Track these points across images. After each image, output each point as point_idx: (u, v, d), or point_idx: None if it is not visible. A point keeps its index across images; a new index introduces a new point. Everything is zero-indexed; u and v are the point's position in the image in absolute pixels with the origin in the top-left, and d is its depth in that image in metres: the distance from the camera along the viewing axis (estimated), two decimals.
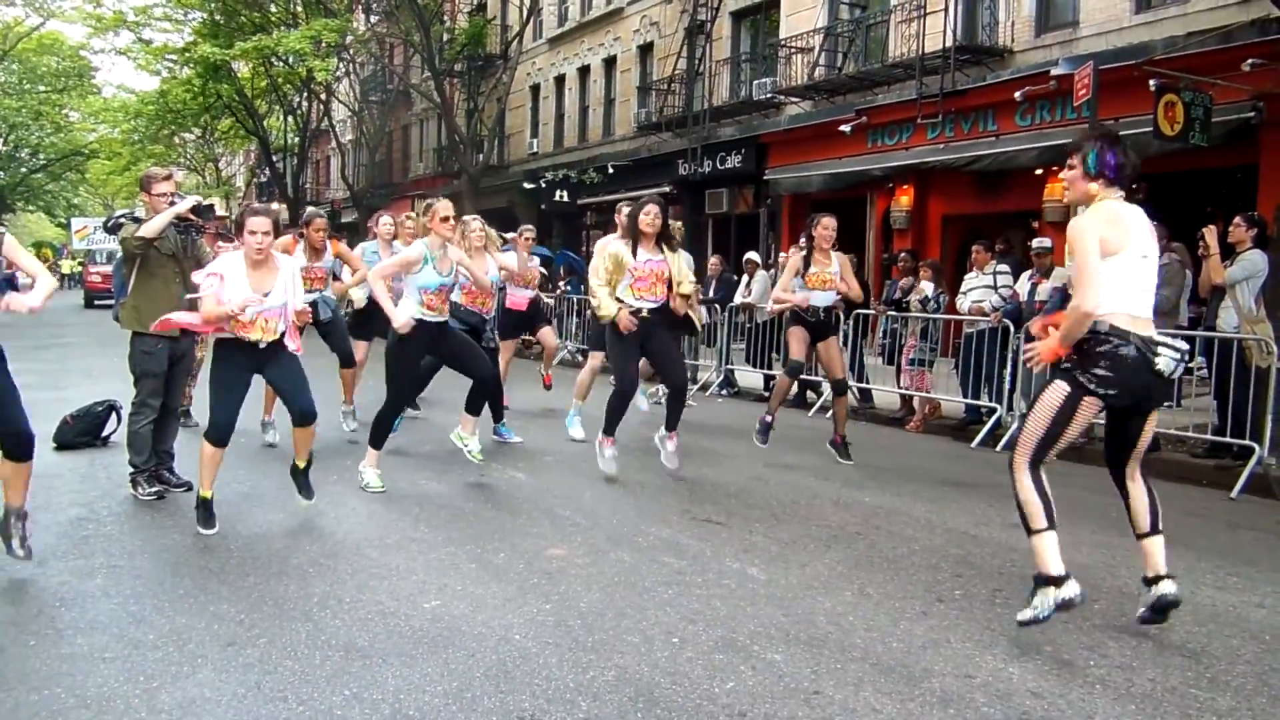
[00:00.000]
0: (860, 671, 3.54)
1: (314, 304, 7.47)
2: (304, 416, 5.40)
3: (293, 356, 5.40)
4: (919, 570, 4.82)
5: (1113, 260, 3.75)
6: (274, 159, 35.21)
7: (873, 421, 10.25)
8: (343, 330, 7.98)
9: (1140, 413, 3.94)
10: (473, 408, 6.71)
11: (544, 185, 24.39)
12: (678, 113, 20.44)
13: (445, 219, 6.10)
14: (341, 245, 8.28)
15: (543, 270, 11.09)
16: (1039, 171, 13.51)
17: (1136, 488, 4.03)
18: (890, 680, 3.47)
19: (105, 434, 7.45)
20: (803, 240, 7.63)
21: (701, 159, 19.44)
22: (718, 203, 19.78)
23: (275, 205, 28.81)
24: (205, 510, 5.23)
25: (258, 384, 5.50)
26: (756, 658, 3.64)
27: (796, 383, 8.78)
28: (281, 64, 27.73)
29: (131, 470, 5.90)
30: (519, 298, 9.36)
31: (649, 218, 6.56)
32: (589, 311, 10.22)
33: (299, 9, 28.15)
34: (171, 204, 5.73)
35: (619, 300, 6.56)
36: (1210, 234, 7.40)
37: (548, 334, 10.07)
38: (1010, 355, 8.84)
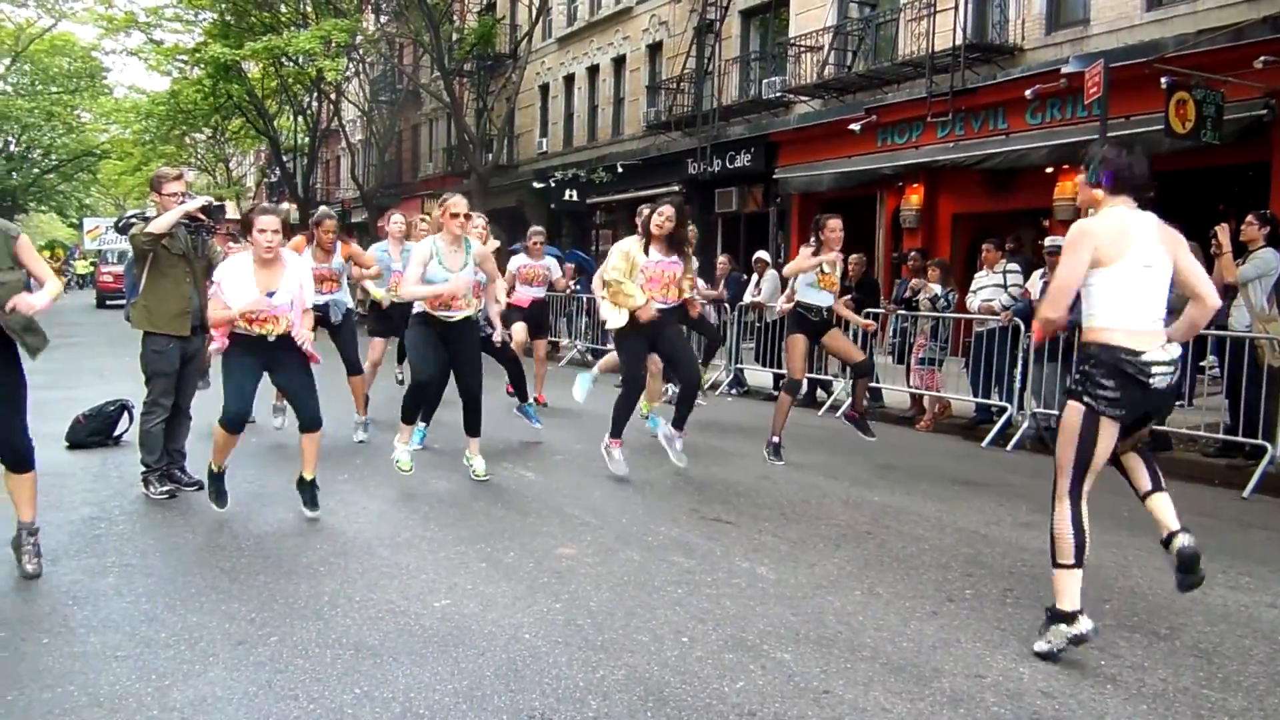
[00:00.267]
0: (870, 671, 3.54)
1: (325, 306, 7.50)
2: (310, 423, 5.44)
3: (303, 361, 5.42)
4: (929, 570, 4.82)
5: (1108, 271, 3.65)
6: (284, 159, 35.30)
7: (883, 421, 10.22)
8: (352, 336, 7.94)
9: (1148, 420, 3.89)
10: (471, 429, 6.54)
11: (553, 185, 24.41)
12: (687, 112, 20.44)
13: (454, 215, 6.09)
14: (353, 246, 8.31)
15: (569, 267, 11.10)
16: (1049, 170, 13.48)
17: (1130, 456, 3.95)
18: (900, 680, 3.47)
19: (117, 433, 7.49)
20: (812, 241, 7.62)
21: (711, 158, 19.43)
22: (727, 202, 19.77)
23: (285, 205, 28.93)
24: (217, 484, 5.39)
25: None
26: (766, 657, 3.64)
27: (805, 383, 8.77)
28: (291, 64, 27.81)
29: (143, 469, 5.92)
30: (521, 295, 9.39)
31: (661, 219, 6.55)
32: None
33: (309, 9, 28.22)
34: (182, 204, 5.76)
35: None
36: (1223, 232, 7.36)
37: (540, 345, 10.06)
38: (1021, 354, 8.82)
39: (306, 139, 35.39)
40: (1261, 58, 10.38)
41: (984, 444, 8.82)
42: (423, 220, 8.75)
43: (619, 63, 24.24)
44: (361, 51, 30.00)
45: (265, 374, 5.49)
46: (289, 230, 5.60)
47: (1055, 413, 8.63)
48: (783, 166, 17.90)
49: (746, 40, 20.31)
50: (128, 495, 5.90)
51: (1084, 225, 3.77)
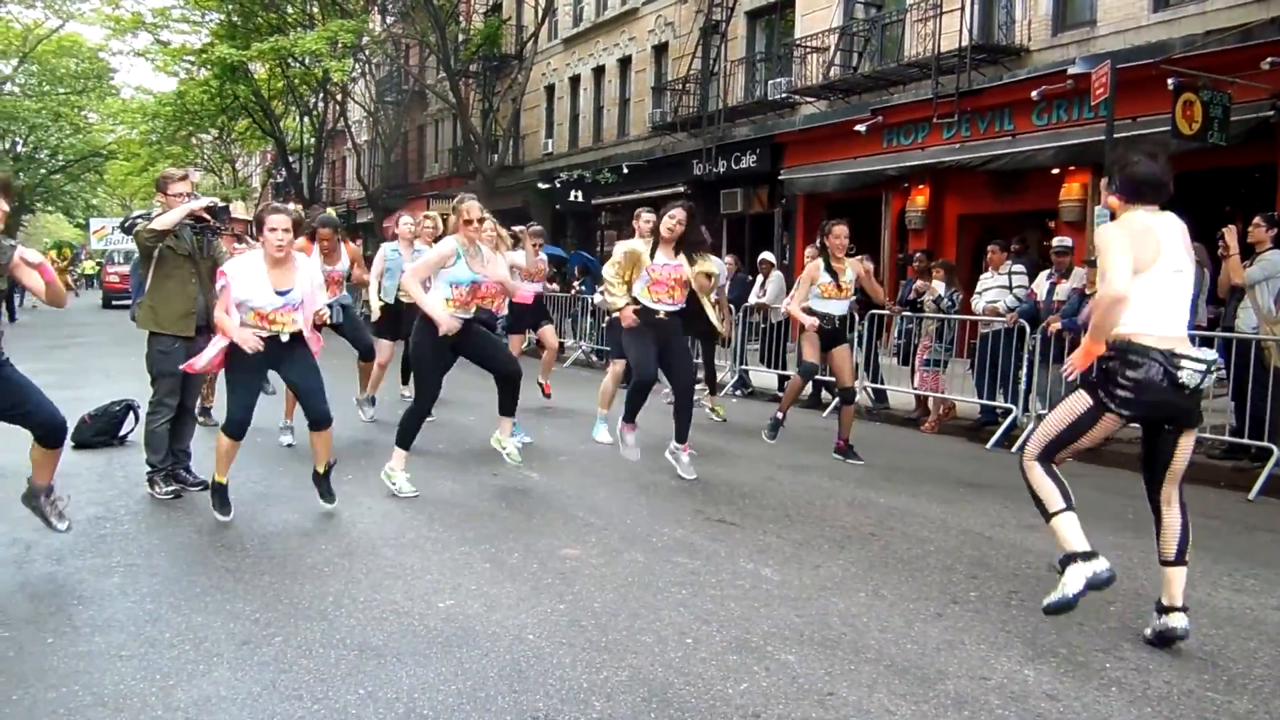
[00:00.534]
0: (875, 673, 3.53)
1: (328, 307, 7.52)
2: (319, 420, 5.47)
3: (311, 358, 5.44)
4: (934, 571, 4.81)
5: (1143, 278, 3.62)
6: (290, 159, 35.38)
7: (887, 422, 10.22)
8: (358, 323, 8.01)
9: (1168, 429, 3.82)
10: (507, 409, 6.41)
11: (559, 185, 24.43)
12: (692, 113, 20.43)
13: (469, 222, 5.97)
14: (354, 247, 8.34)
15: (554, 268, 11.11)
16: (1056, 171, 13.46)
17: (1170, 513, 3.87)
18: (905, 682, 3.46)
19: (123, 433, 7.50)
20: (816, 247, 7.64)
21: (716, 159, 19.43)
22: (732, 203, 19.76)
23: (291, 205, 28.99)
24: (220, 496, 5.39)
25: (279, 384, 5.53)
26: (770, 659, 3.63)
27: (810, 383, 8.76)
28: (298, 65, 27.88)
29: (149, 469, 5.93)
30: (524, 292, 9.41)
31: (673, 223, 6.54)
32: (606, 316, 10.17)
33: (315, 10, 28.30)
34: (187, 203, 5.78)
35: (634, 300, 6.58)
36: (1230, 234, 7.35)
37: (548, 333, 10.08)
38: (1026, 356, 8.80)
39: (312, 140, 35.50)
40: (1269, 59, 10.36)
41: (989, 445, 8.80)
42: (426, 218, 8.77)
43: (624, 64, 24.25)
44: (368, 52, 30.07)
45: (273, 370, 5.53)
46: (298, 229, 5.61)
47: None
48: (788, 167, 17.89)
49: (752, 41, 20.30)
50: (133, 495, 5.92)
51: (1112, 227, 3.73)
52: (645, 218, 7.17)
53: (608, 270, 6.76)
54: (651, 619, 4.00)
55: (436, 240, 8.88)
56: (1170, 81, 10.13)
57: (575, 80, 26.38)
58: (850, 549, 5.16)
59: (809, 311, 7.50)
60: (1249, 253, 7.49)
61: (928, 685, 3.44)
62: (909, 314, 10.33)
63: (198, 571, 4.53)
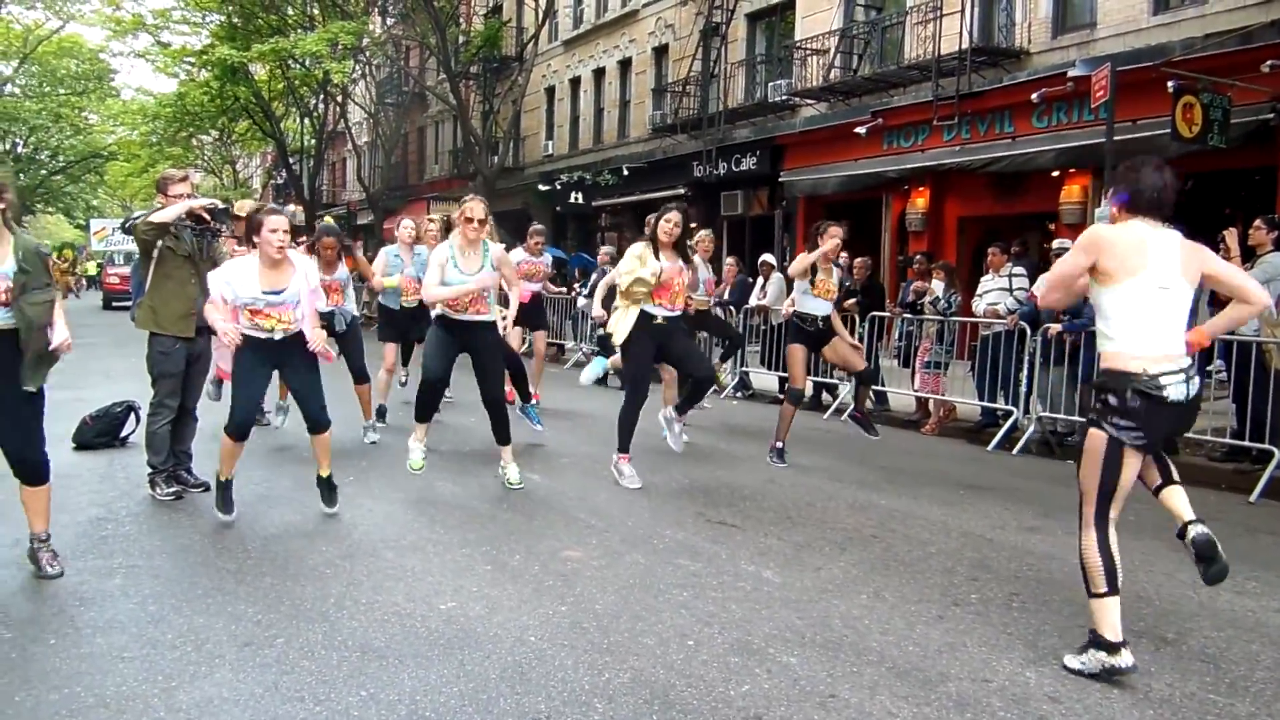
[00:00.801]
0: (876, 675, 3.53)
1: (330, 315, 7.52)
2: (316, 424, 5.48)
3: (311, 361, 5.44)
4: (935, 574, 4.81)
5: (1120, 289, 3.55)
6: (290, 161, 35.37)
7: (888, 424, 10.22)
8: (358, 344, 7.89)
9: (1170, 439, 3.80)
10: (500, 437, 6.44)
11: (559, 187, 24.44)
12: (693, 115, 20.44)
13: (469, 220, 6.02)
14: (357, 256, 8.33)
15: (553, 270, 11.12)
16: (1056, 173, 13.46)
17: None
18: (906, 684, 3.47)
19: (124, 434, 7.51)
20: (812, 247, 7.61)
21: (716, 161, 19.44)
22: (733, 205, 19.77)
23: (291, 207, 28.99)
24: (224, 493, 5.40)
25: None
26: (772, 661, 3.63)
27: (810, 387, 8.77)
28: (298, 66, 27.87)
29: (150, 471, 5.94)
30: (523, 290, 9.40)
31: (670, 225, 6.54)
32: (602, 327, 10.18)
33: (316, 12, 28.30)
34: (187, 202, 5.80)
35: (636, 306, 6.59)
36: (1231, 236, 7.36)
37: (540, 337, 10.07)
38: (1026, 358, 8.81)
39: (313, 141, 35.48)
40: (1269, 62, 10.37)
41: (990, 448, 8.80)
42: (430, 221, 8.77)
43: (625, 65, 24.26)
44: (368, 54, 30.08)
45: (275, 372, 5.53)
46: (294, 232, 5.62)
47: (1061, 416, 8.64)
48: (788, 169, 17.90)
49: (752, 43, 20.31)
50: (134, 496, 5.92)
51: (1098, 230, 3.70)
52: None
53: (625, 277, 6.61)
54: (653, 621, 4.00)
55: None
56: (1170, 84, 10.15)
57: (575, 82, 26.39)
58: (851, 551, 5.16)
59: (796, 315, 7.49)
60: (1250, 255, 7.50)
61: (929, 687, 3.44)
62: (909, 316, 10.33)
63: (199, 573, 4.53)
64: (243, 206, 7.54)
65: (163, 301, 5.83)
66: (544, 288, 10.45)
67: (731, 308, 12.22)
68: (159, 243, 5.81)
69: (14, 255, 4.22)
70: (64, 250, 38.54)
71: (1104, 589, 3.58)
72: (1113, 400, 3.56)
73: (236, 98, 30.05)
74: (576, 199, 23.88)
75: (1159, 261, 3.56)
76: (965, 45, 14.08)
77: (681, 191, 19.67)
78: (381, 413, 8.52)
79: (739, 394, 12.04)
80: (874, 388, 10.63)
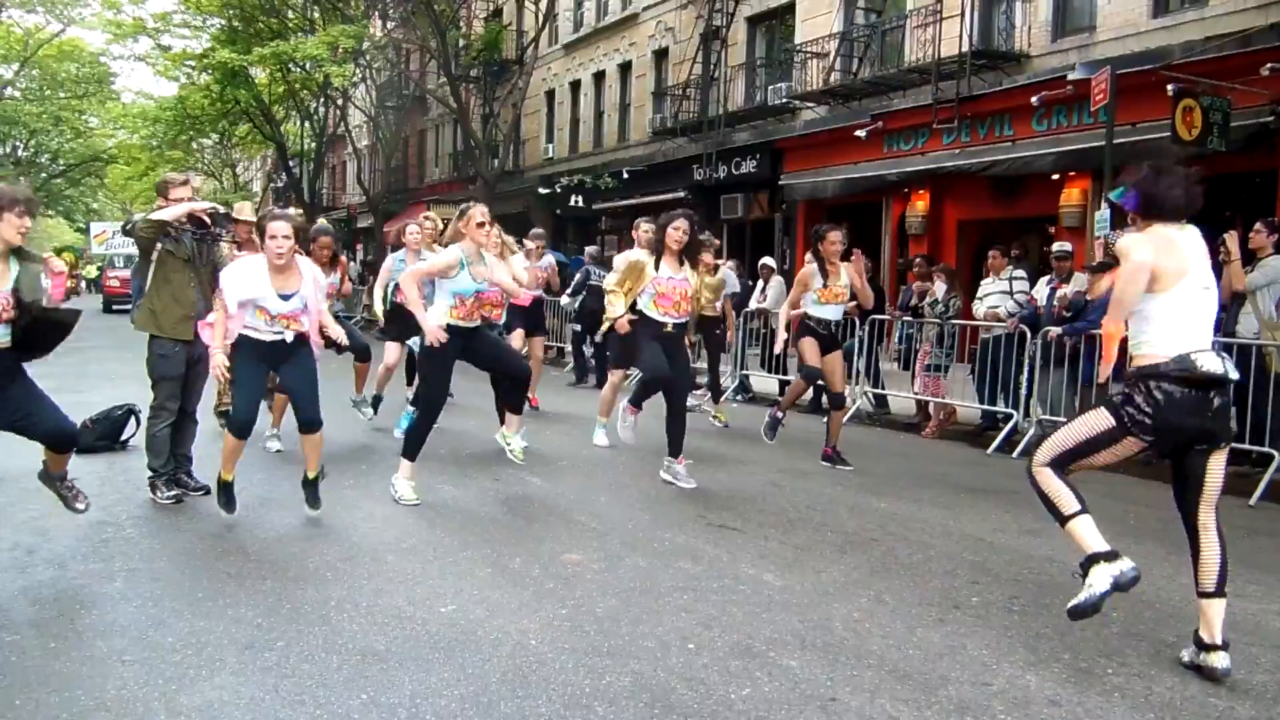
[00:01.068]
0: (877, 678, 3.53)
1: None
2: (308, 424, 5.47)
3: (310, 360, 5.47)
4: (935, 577, 4.81)
5: (1166, 296, 3.51)
6: (290, 164, 35.38)
7: (888, 427, 10.23)
8: (351, 329, 7.98)
9: (1198, 449, 3.63)
10: (514, 405, 6.47)
11: (559, 191, 24.44)
12: (693, 118, 20.45)
13: (481, 224, 5.93)
14: (343, 265, 8.33)
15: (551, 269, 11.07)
16: (1055, 176, 13.46)
17: (1208, 539, 3.67)
18: (907, 687, 3.46)
19: (124, 438, 7.51)
20: (810, 255, 7.61)
21: (716, 164, 19.44)
22: (733, 208, 19.77)
23: (291, 210, 29.03)
24: (226, 493, 5.42)
25: None
26: (772, 664, 3.63)
27: (812, 389, 8.76)
28: (299, 70, 27.87)
29: (150, 474, 5.93)
30: (523, 296, 9.40)
31: (677, 234, 6.53)
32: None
33: (316, 15, 28.33)
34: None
35: (639, 314, 6.59)
36: (1231, 239, 7.36)
37: (537, 344, 10.08)
38: (1026, 361, 8.81)
39: (313, 144, 35.50)
40: (1268, 65, 10.37)
41: (990, 451, 8.81)
42: (426, 219, 8.75)
43: (625, 69, 24.28)
44: (368, 57, 30.09)
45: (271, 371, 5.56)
46: (299, 235, 5.63)
47: (1061, 419, 8.62)
48: (788, 173, 17.90)
49: (753, 47, 20.32)
50: (134, 500, 5.91)
51: (1138, 238, 3.61)
52: (644, 228, 7.18)
53: (609, 280, 6.77)
54: (654, 624, 4.00)
55: (436, 243, 8.90)
56: (1170, 87, 10.15)
57: (576, 85, 26.41)
58: (852, 554, 5.16)
59: (805, 319, 7.49)
60: (1250, 258, 7.50)
61: (930, 691, 3.44)
62: (910, 319, 10.34)
63: (200, 576, 4.53)
64: (241, 209, 7.54)
65: (162, 304, 5.83)
66: (544, 292, 10.46)
67: (731, 311, 12.21)
68: (159, 245, 5.81)
69: (12, 278, 4.32)
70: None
71: (1076, 508, 3.58)
72: (1139, 392, 3.52)
73: (237, 101, 30.06)
74: (576, 202, 23.87)
75: (1197, 262, 3.56)
76: (965, 49, 14.09)
77: (682, 195, 19.67)
78: (376, 402, 8.57)
79: (739, 397, 12.04)
80: (874, 391, 10.66)
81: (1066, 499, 3.62)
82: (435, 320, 5.87)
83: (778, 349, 7.60)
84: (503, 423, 7.89)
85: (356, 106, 33.68)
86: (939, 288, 9.95)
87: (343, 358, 7.97)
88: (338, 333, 5.75)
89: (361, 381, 8.26)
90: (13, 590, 4.30)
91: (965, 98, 14.23)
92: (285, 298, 5.26)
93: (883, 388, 10.79)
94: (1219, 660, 3.59)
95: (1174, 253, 3.55)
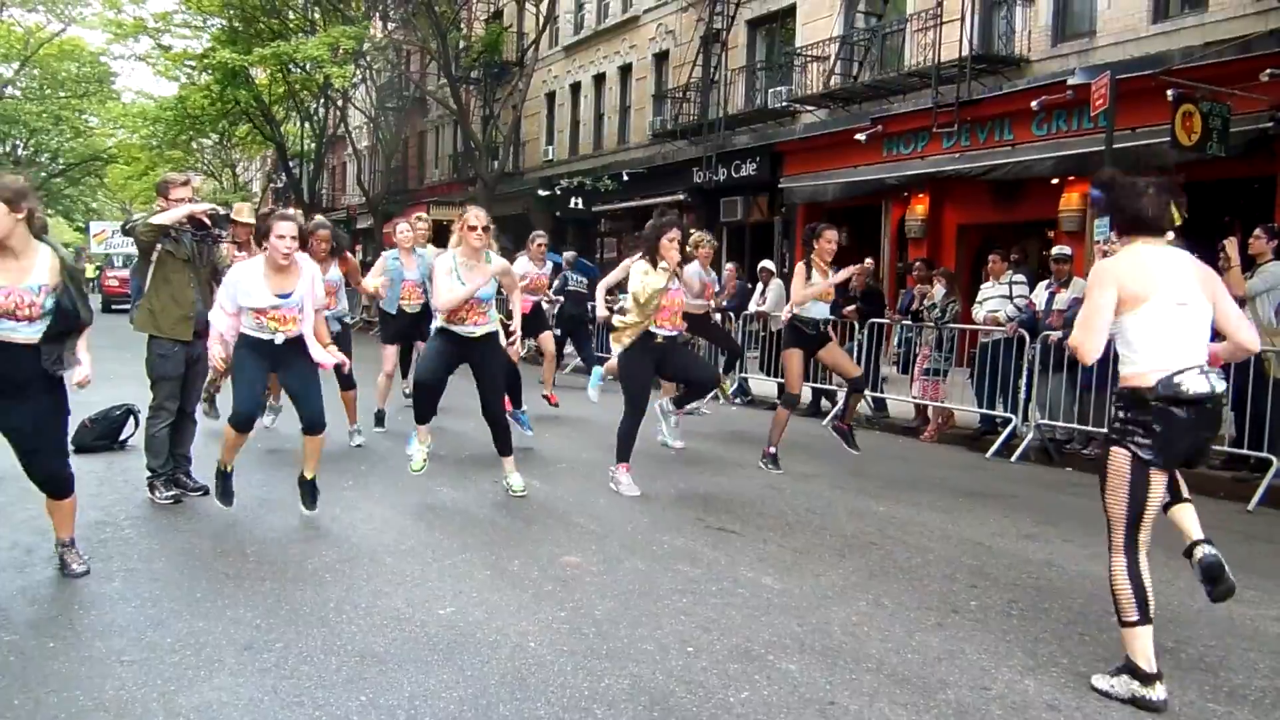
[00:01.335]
0: (875, 682, 3.53)
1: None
2: (312, 425, 5.46)
3: (308, 363, 5.45)
4: (934, 581, 4.81)
5: (1137, 313, 3.49)
6: (290, 165, 35.39)
7: (887, 431, 10.23)
8: (347, 350, 7.86)
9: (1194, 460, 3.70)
10: (502, 448, 6.37)
11: (559, 192, 24.44)
12: (693, 121, 20.46)
13: (472, 227, 5.95)
14: (352, 262, 8.28)
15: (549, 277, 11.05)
16: (1055, 181, 13.47)
17: None
18: (905, 691, 3.47)
19: (123, 438, 7.50)
20: (803, 260, 7.60)
21: (716, 167, 19.45)
22: (732, 211, 19.78)
23: (292, 210, 29.03)
24: (224, 483, 5.43)
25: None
26: (771, 667, 3.63)
27: (810, 394, 8.76)
28: (299, 70, 27.89)
29: (149, 474, 5.93)
30: (524, 301, 9.38)
31: (673, 245, 6.49)
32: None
33: (317, 16, 28.34)
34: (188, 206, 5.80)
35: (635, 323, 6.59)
36: (1231, 245, 7.36)
37: (547, 339, 10.09)
38: (1025, 365, 8.81)
39: (313, 145, 35.50)
40: (1268, 71, 10.39)
41: (988, 455, 8.81)
42: (419, 220, 8.73)
43: (625, 71, 24.28)
44: (369, 58, 30.11)
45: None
46: (304, 237, 5.63)
47: (1060, 424, 8.64)
48: (788, 176, 17.91)
49: (753, 50, 20.33)
50: (133, 500, 5.91)
51: (1106, 263, 3.63)
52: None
53: (631, 308, 6.62)
54: (652, 627, 4.00)
55: (430, 241, 8.89)
56: (1170, 93, 10.16)
57: (576, 87, 26.41)
58: (851, 558, 5.16)
59: (795, 320, 7.46)
60: (1249, 264, 7.51)
61: (929, 695, 3.44)
62: (909, 323, 10.34)
63: (199, 577, 4.53)
64: (240, 210, 7.54)
65: (162, 305, 5.83)
66: (548, 297, 10.44)
67: (731, 314, 12.23)
68: (158, 246, 5.81)
69: (49, 272, 4.21)
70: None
71: (1135, 617, 3.47)
72: (1133, 419, 3.49)
73: (237, 101, 30.07)
74: (576, 204, 23.87)
75: (1171, 279, 3.50)
76: (965, 53, 14.10)
77: (681, 197, 19.68)
78: (380, 417, 8.54)
79: (738, 400, 12.04)
80: (873, 394, 10.66)
81: (1129, 605, 3.49)
82: (439, 322, 5.94)
83: (824, 290, 7.41)
84: (510, 402, 7.98)
85: (356, 107, 33.69)
86: (938, 291, 9.96)
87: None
88: (333, 358, 5.56)
89: (352, 410, 8.05)
90: (11, 590, 4.30)
91: (965, 102, 14.24)
92: (282, 297, 5.26)
93: (882, 391, 10.79)
94: (1203, 549, 3.64)
95: (1142, 272, 3.51)
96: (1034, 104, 12.96)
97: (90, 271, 43.88)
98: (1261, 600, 4.69)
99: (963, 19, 14.18)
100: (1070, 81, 12.17)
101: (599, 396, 8.08)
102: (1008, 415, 9.07)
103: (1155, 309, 3.48)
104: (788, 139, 18.12)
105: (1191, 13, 12.14)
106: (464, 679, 3.45)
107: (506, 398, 7.98)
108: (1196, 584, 3.77)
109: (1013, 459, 8.54)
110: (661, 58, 22.77)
